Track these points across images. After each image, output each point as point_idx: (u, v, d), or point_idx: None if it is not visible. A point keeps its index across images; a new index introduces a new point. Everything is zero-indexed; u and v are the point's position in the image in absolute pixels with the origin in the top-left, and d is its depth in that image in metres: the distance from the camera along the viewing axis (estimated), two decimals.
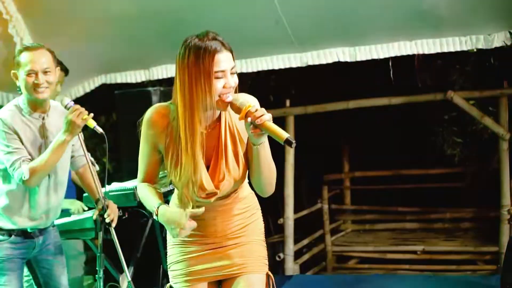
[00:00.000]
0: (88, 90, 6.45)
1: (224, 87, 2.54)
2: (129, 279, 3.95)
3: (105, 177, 3.78)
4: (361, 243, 7.38)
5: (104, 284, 4.67)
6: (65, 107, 3.60)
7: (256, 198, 2.87)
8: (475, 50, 5.40)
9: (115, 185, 4.28)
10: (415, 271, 6.64)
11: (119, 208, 4.20)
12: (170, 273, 2.89)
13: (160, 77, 6.24)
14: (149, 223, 4.82)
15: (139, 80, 6.32)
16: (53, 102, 3.76)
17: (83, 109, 3.54)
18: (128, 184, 4.19)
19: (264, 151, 2.59)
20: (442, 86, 6.30)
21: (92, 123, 3.58)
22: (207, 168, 2.66)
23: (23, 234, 3.65)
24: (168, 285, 2.88)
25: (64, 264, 3.90)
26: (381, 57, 5.57)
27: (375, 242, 7.32)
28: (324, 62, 5.69)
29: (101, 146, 7.29)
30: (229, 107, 2.58)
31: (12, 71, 3.62)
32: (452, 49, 5.40)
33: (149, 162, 2.75)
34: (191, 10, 5.44)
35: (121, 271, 3.89)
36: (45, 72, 3.56)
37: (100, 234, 3.67)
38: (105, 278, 4.47)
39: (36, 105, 3.61)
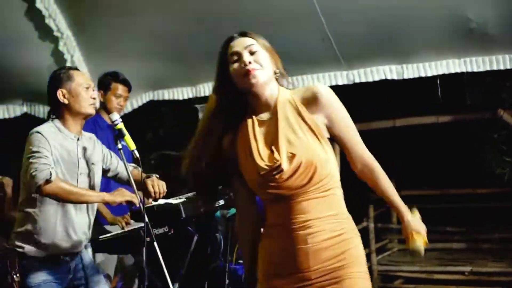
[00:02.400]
0: (136, 106, 6.53)
1: (242, 66, 2.54)
2: None
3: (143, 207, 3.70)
4: (407, 262, 7.28)
5: None
6: (113, 122, 3.67)
7: (353, 223, 2.63)
8: None
9: (161, 202, 4.30)
10: None
11: (165, 224, 4.25)
12: None
13: (207, 94, 6.28)
14: (195, 239, 4.84)
15: (186, 97, 6.38)
16: None
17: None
18: (174, 201, 4.21)
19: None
20: (492, 104, 6.20)
21: (132, 146, 3.63)
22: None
23: (56, 259, 3.65)
24: None
25: (103, 281, 3.92)
26: (429, 75, 5.53)
27: (421, 262, 7.21)
28: (371, 79, 5.67)
29: (148, 161, 7.37)
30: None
31: (60, 89, 3.66)
32: (501, 67, 5.34)
33: None
34: (238, 28, 5.47)
35: (167, 287, 3.90)
36: (93, 89, 3.75)
37: (144, 249, 3.66)
38: None
39: (75, 126, 3.70)
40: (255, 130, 2.60)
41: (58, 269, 3.66)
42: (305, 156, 2.49)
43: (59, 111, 3.70)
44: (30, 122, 6.70)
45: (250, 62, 2.54)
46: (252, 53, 2.58)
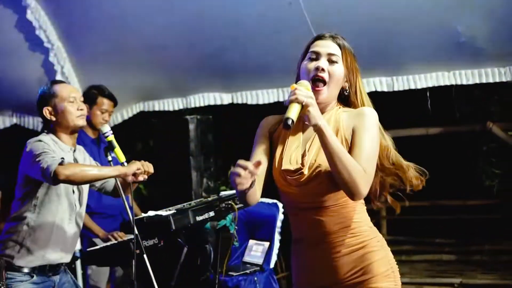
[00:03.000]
0: (126, 117, 6.53)
1: (316, 68, 2.54)
2: None
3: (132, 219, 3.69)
4: None
5: None
6: (103, 134, 3.67)
7: (377, 233, 2.63)
8: None
9: (151, 213, 4.29)
10: None
11: (155, 236, 4.25)
12: None
13: (198, 105, 6.30)
14: (185, 251, 4.83)
15: (176, 108, 6.39)
16: None
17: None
18: (164, 212, 4.20)
19: (325, 137, 2.39)
20: (480, 116, 6.24)
21: (122, 158, 3.63)
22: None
23: (43, 273, 3.64)
24: None
25: None
26: (419, 87, 5.54)
27: (411, 274, 7.22)
28: None
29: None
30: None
31: (46, 107, 3.68)
32: (491, 80, 5.35)
33: None
34: (228, 42, 5.50)
35: None
36: (81, 101, 3.76)
37: (133, 262, 3.67)
38: None
39: (68, 138, 3.71)
40: (296, 132, 2.64)
41: (42, 284, 3.66)
42: (327, 168, 2.49)
43: (50, 127, 3.72)
44: (19, 133, 6.70)
45: (323, 70, 2.55)
46: (331, 62, 2.58)
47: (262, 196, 5.44)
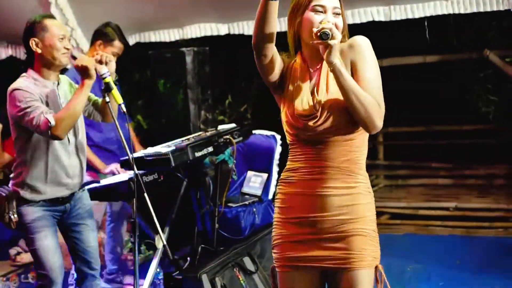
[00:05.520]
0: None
1: (321, 22, 2.56)
2: (164, 242, 4.04)
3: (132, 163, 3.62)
4: (393, 198, 7.41)
5: (139, 242, 4.82)
6: (101, 76, 3.66)
7: (369, 183, 2.71)
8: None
9: (150, 150, 4.34)
10: (447, 228, 6.64)
11: (154, 172, 4.31)
12: (273, 255, 2.82)
13: (194, 36, 6.23)
14: (184, 185, 4.90)
15: (172, 39, 6.33)
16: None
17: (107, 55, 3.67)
18: (163, 149, 4.24)
19: (342, 75, 2.47)
20: (478, 44, 6.21)
21: (119, 99, 3.59)
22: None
23: (52, 200, 3.77)
24: (271, 265, 2.82)
25: (94, 227, 4.03)
26: (416, 16, 5.47)
27: (407, 198, 7.34)
28: (358, 21, 5.63)
29: (136, 102, 7.38)
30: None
31: (33, 38, 3.67)
32: (489, 9, 5.27)
33: None
34: None
35: (157, 232, 3.98)
36: (69, 39, 3.78)
37: (134, 200, 3.71)
38: (142, 237, 4.61)
39: (51, 73, 3.72)
40: (304, 77, 2.69)
41: (53, 208, 3.78)
42: (338, 107, 2.57)
43: (33, 61, 3.71)
44: (15, 65, 6.67)
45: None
46: (335, 14, 2.63)
47: (260, 129, 5.53)
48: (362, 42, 2.62)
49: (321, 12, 2.60)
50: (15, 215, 3.69)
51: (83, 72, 3.60)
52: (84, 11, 5.89)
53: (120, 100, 3.60)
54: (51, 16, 3.90)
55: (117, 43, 4.95)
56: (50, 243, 3.74)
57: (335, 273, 2.67)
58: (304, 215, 2.66)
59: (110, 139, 5.04)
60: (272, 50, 2.61)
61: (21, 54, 6.55)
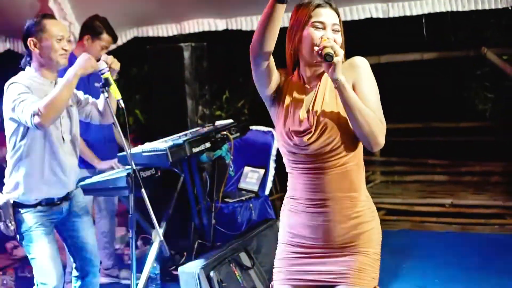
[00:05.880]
0: (120, 43, 6.46)
1: (321, 38, 2.57)
2: (161, 237, 4.05)
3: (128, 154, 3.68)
4: (389, 194, 7.41)
5: (137, 237, 4.83)
6: (100, 71, 3.67)
7: (372, 203, 2.73)
8: (510, 8, 5.29)
9: (148, 146, 4.35)
10: (442, 224, 6.66)
11: (152, 167, 4.32)
12: (273, 270, 2.86)
13: (192, 31, 6.24)
14: (181, 181, 4.92)
15: (170, 34, 6.33)
16: None
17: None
18: (161, 145, 4.25)
19: (346, 92, 2.50)
20: (476, 41, 6.23)
21: (117, 95, 3.62)
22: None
23: (49, 204, 3.74)
24: (271, 283, 2.84)
25: (91, 223, 4.04)
26: (414, 14, 5.48)
27: (403, 194, 7.35)
28: (356, 18, 5.63)
29: (134, 97, 7.39)
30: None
31: (31, 39, 3.67)
32: (487, 7, 5.28)
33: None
34: None
35: (154, 227, 4.00)
36: (68, 41, 3.78)
37: (131, 196, 3.73)
38: (138, 232, 4.62)
39: (49, 73, 3.73)
40: (300, 93, 2.69)
41: (50, 212, 3.75)
42: (332, 123, 2.58)
43: (31, 59, 3.72)
44: (13, 58, 6.65)
45: None
46: (334, 31, 2.63)
47: (257, 124, 5.53)
48: (362, 63, 2.64)
49: (321, 28, 2.60)
50: (12, 222, 3.66)
51: (86, 63, 3.61)
52: (82, 5, 5.87)
53: (118, 95, 3.62)
54: (51, 16, 3.89)
55: (105, 36, 4.95)
56: (50, 252, 3.72)
57: None
58: (309, 243, 2.70)
59: (99, 139, 5.03)
60: (269, 57, 2.60)
61: (19, 47, 6.53)
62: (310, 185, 2.65)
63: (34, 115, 3.44)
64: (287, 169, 2.76)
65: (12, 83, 3.58)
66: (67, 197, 3.84)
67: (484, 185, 7.35)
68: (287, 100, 2.70)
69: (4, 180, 3.76)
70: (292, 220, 2.75)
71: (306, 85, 2.69)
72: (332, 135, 2.58)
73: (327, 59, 2.46)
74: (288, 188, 2.78)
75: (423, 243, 6.14)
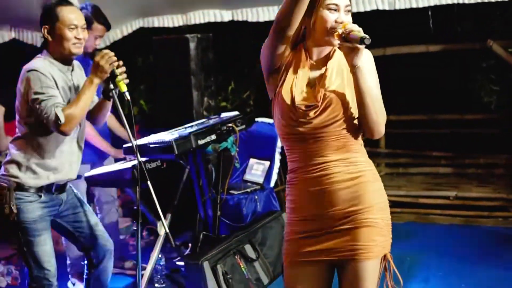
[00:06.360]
0: (125, 33, 6.46)
1: (336, 21, 2.61)
2: (167, 229, 4.07)
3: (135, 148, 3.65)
4: (394, 186, 7.39)
5: (142, 228, 4.85)
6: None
7: (372, 165, 2.75)
8: None
9: (153, 138, 4.36)
10: (447, 217, 6.66)
11: (158, 159, 4.33)
12: (282, 251, 2.87)
13: (197, 22, 6.23)
14: (186, 171, 4.92)
15: (176, 25, 6.33)
16: None
17: (112, 54, 3.62)
18: (167, 137, 4.26)
19: (363, 78, 2.56)
20: (482, 34, 6.21)
21: (124, 87, 3.61)
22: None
23: (50, 191, 3.72)
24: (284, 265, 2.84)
25: (90, 210, 3.99)
26: (420, 6, 5.47)
27: (408, 186, 7.33)
28: (362, 10, 5.63)
29: (139, 87, 7.39)
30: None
31: (45, 26, 3.65)
32: None
33: None
34: None
35: (159, 218, 4.01)
36: (83, 29, 3.70)
37: (137, 188, 3.73)
38: (143, 222, 4.63)
39: (65, 60, 3.70)
40: (304, 68, 2.71)
41: (51, 203, 3.74)
42: (338, 100, 2.62)
43: (48, 44, 3.69)
44: (18, 47, 6.66)
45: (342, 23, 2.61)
46: (346, 12, 2.66)
47: (262, 116, 5.54)
48: (369, 57, 2.69)
49: (335, 10, 2.62)
50: (15, 207, 3.61)
51: (98, 69, 3.57)
52: None
53: (124, 88, 3.61)
54: (67, 3, 3.76)
55: (96, 26, 4.87)
56: (49, 248, 3.70)
57: (343, 265, 2.70)
58: (313, 213, 2.70)
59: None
60: (295, 28, 2.62)
61: (24, 37, 6.53)
62: (306, 153, 2.67)
63: (57, 122, 3.45)
64: (283, 141, 2.77)
65: (32, 69, 3.54)
66: (64, 188, 3.82)
67: (488, 178, 7.33)
68: (291, 73, 2.71)
69: (8, 159, 3.73)
70: (293, 193, 2.77)
71: (312, 62, 2.70)
72: (336, 112, 2.62)
73: (365, 42, 2.48)
74: (287, 162, 2.80)
75: (428, 235, 6.14)
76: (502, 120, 7.30)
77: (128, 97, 3.61)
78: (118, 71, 3.60)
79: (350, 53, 2.54)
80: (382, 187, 2.76)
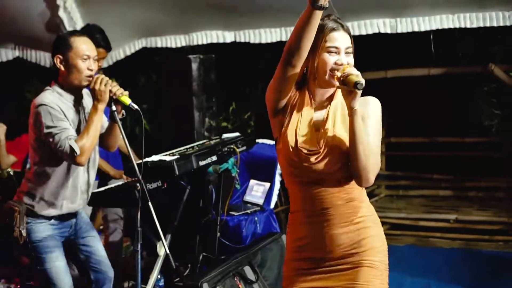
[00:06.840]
0: (128, 53, 6.50)
1: (336, 63, 2.63)
2: (167, 250, 4.05)
3: (142, 154, 3.72)
4: (394, 209, 7.40)
5: (142, 249, 4.82)
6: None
7: (374, 211, 2.77)
8: None
9: (154, 158, 4.35)
10: (447, 240, 6.64)
11: (159, 179, 4.33)
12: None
13: (200, 43, 6.27)
14: (187, 192, 4.91)
15: (179, 45, 6.37)
16: None
17: (103, 76, 3.63)
18: (167, 158, 4.26)
19: (358, 121, 2.56)
20: (483, 58, 6.23)
21: (127, 100, 3.63)
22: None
23: (60, 217, 3.76)
24: None
25: (98, 237, 4.05)
26: (422, 29, 5.52)
27: (408, 209, 7.33)
28: (364, 33, 5.66)
29: (141, 106, 7.39)
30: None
31: (58, 55, 3.65)
32: (495, 24, 5.33)
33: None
34: None
35: (159, 239, 4.00)
36: (94, 60, 3.70)
37: (138, 209, 3.73)
38: (143, 243, 4.61)
39: (75, 90, 3.70)
40: (308, 110, 2.73)
41: (61, 225, 3.78)
42: (339, 148, 2.63)
43: (58, 74, 3.70)
44: (22, 66, 6.70)
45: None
46: (347, 54, 2.68)
47: (263, 137, 5.54)
48: (375, 104, 2.71)
49: (335, 53, 2.66)
50: (25, 230, 3.65)
51: (97, 94, 3.59)
52: (92, 15, 5.91)
53: (128, 100, 3.62)
54: (81, 33, 3.82)
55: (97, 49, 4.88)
56: (62, 264, 3.74)
57: None
58: (314, 256, 2.73)
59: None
60: (301, 63, 2.64)
61: (27, 55, 6.57)
62: (310, 196, 2.68)
63: (73, 154, 3.47)
64: (286, 183, 2.80)
65: (42, 104, 3.55)
66: (75, 213, 3.85)
67: (489, 201, 7.33)
68: (295, 114, 2.73)
69: (21, 188, 3.77)
70: (294, 233, 2.79)
71: (315, 104, 2.73)
72: (337, 158, 2.63)
73: (358, 87, 2.50)
74: (290, 204, 2.81)
75: (427, 258, 6.12)
76: (503, 143, 7.31)
77: (136, 107, 3.62)
78: (114, 89, 3.61)
79: (348, 96, 2.56)
80: (382, 232, 2.77)
